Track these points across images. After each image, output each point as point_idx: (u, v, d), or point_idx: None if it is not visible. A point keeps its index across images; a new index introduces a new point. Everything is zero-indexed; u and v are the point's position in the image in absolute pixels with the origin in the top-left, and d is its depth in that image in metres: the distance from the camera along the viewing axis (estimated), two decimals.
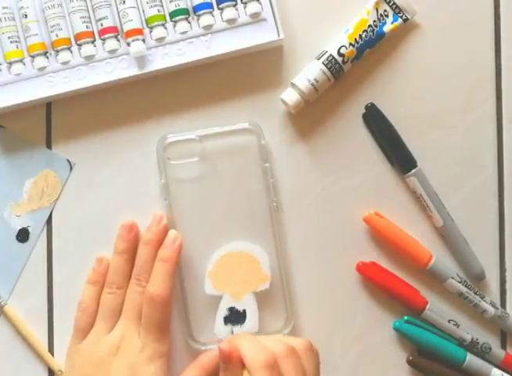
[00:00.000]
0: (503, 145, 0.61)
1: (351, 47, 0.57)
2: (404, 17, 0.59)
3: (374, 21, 0.58)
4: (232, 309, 0.57)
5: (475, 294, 0.59)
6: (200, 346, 0.58)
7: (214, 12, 0.57)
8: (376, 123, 0.59)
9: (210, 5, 0.57)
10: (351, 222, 0.60)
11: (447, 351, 0.58)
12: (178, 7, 0.57)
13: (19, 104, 0.57)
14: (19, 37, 0.57)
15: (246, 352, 0.51)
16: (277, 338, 0.54)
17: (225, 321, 0.57)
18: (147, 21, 0.57)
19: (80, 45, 0.57)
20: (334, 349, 0.59)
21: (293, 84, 0.58)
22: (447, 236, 0.60)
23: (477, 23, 0.61)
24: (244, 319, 0.57)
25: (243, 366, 0.50)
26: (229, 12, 0.57)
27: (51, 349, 0.59)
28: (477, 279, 0.60)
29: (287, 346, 0.52)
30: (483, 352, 0.59)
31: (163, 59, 0.57)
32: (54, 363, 0.59)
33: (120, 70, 0.57)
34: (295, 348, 0.52)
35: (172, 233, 0.57)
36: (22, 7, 0.57)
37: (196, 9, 0.57)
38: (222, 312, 0.57)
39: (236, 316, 0.57)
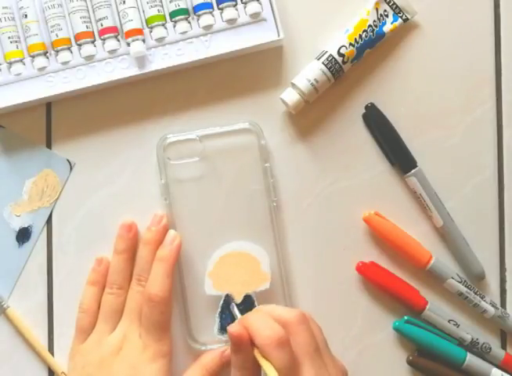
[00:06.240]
0: (503, 145, 0.61)
1: (351, 47, 0.57)
2: (404, 17, 0.59)
3: (374, 21, 0.58)
4: (232, 309, 0.57)
5: (475, 294, 0.59)
6: (200, 346, 0.58)
7: (214, 12, 0.57)
8: (376, 123, 0.59)
9: (210, 5, 0.57)
10: (351, 222, 0.59)
11: (447, 351, 0.58)
12: (178, 7, 0.57)
13: (19, 104, 0.57)
14: (19, 37, 0.57)
15: (257, 333, 0.49)
16: (286, 308, 0.52)
17: (225, 321, 0.57)
18: (147, 21, 0.57)
19: (80, 45, 0.57)
20: (334, 349, 0.58)
21: (293, 85, 0.58)
22: (447, 236, 0.60)
23: (477, 23, 0.61)
24: None
25: (253, 345, 0.49)
26: (229, 12, 0.57)
27: (51, 349, 0.59)
28: (477, 279, 0.60)
29: (299, 312, 0.50)
30: (483, 352, 0.59)
31: (163, 60, 0.57)
32: (56, 366, 0.59)
33: (120, 70, 0.57)
34: (305, 314, 0.51)
35: (171, 232, 0.57)
36: (22, 7, 0.57)
37: (196, 9, 0.57)
38: (222, 312, 0.57)
39: (236, 317, 0.57)
